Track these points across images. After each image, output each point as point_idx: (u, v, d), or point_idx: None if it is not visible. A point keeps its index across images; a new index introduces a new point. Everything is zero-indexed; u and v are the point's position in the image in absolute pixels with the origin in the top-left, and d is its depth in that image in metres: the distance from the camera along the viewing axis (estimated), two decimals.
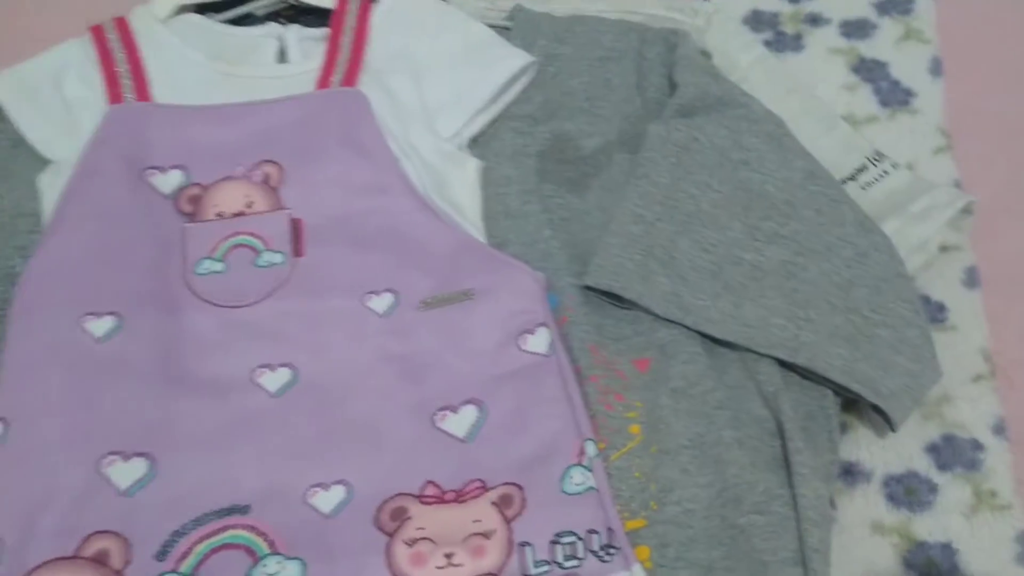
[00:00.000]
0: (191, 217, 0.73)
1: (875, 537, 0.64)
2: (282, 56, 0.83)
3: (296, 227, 0.73)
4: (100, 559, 0.59)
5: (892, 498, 0.66)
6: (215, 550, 0.60)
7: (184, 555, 0.60)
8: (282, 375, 0.67)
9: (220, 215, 0.73)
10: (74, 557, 0.59)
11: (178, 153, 0.75)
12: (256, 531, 0.61)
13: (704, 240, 0.71)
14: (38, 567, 0.58)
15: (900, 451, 0.68)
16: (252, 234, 0.73)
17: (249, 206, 0.74)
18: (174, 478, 0.62)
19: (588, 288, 0.71)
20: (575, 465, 0.63)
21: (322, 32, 0.83)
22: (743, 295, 0.68)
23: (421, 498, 0.62)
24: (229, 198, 0.74)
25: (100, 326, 0.67)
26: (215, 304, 0.70)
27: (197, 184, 0.74)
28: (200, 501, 0.62)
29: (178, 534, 0.60)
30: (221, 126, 0.77)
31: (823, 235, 0.71)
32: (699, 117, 0.77)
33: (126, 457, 0.63)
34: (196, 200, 0.74)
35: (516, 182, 0.78)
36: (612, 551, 0.60)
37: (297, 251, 0.72)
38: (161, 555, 0.59)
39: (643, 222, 0.72)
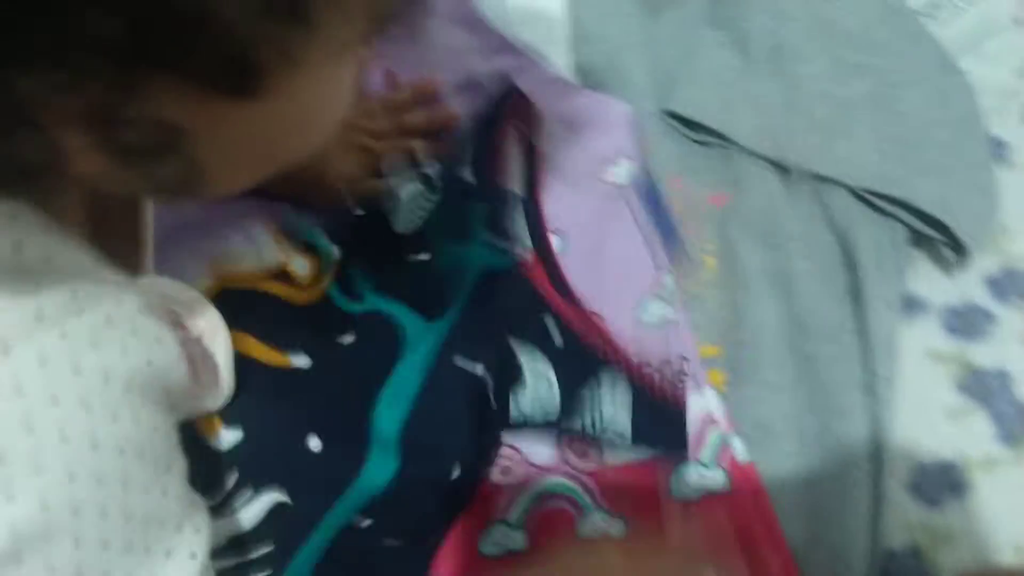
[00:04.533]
0: None
1: (933, 365, 0.67)
2: None
3: None
4: None
5: (950, 328, 0.68)
6: None
7: None
8: None
9: None
10: None
11: None
12: None
13: (791, 74, 0.71)
14: None
15: (960, 283, 0.70)
16: None
17: None
18: None
19: (671, 116, 0.72)
20: (652, 297, 0.66)
21: None
22: (833, 131, 0.69)
23: None
24: None
25: None
26: None
27: None
28: None
29: None
30: None
31: (906, 71, 0.71)
32: None
33: None
34: None
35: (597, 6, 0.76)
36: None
37: None
38: None
39: (726, 51, 0.71)
